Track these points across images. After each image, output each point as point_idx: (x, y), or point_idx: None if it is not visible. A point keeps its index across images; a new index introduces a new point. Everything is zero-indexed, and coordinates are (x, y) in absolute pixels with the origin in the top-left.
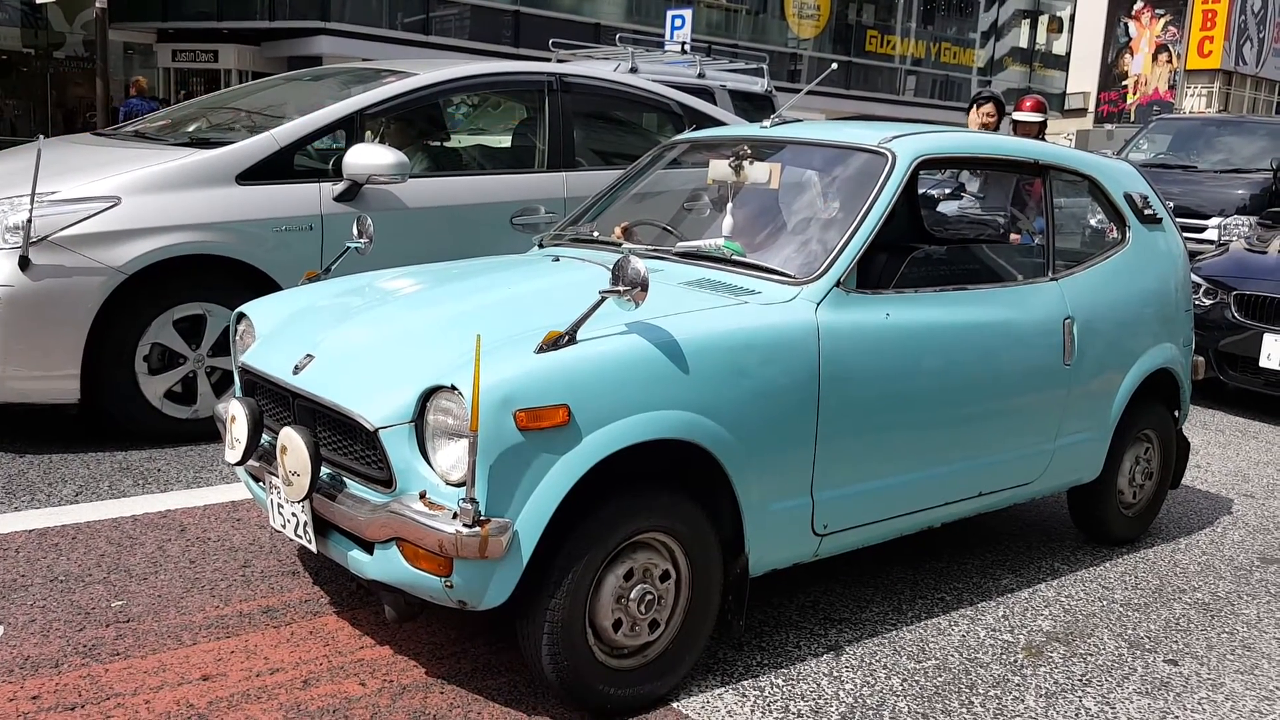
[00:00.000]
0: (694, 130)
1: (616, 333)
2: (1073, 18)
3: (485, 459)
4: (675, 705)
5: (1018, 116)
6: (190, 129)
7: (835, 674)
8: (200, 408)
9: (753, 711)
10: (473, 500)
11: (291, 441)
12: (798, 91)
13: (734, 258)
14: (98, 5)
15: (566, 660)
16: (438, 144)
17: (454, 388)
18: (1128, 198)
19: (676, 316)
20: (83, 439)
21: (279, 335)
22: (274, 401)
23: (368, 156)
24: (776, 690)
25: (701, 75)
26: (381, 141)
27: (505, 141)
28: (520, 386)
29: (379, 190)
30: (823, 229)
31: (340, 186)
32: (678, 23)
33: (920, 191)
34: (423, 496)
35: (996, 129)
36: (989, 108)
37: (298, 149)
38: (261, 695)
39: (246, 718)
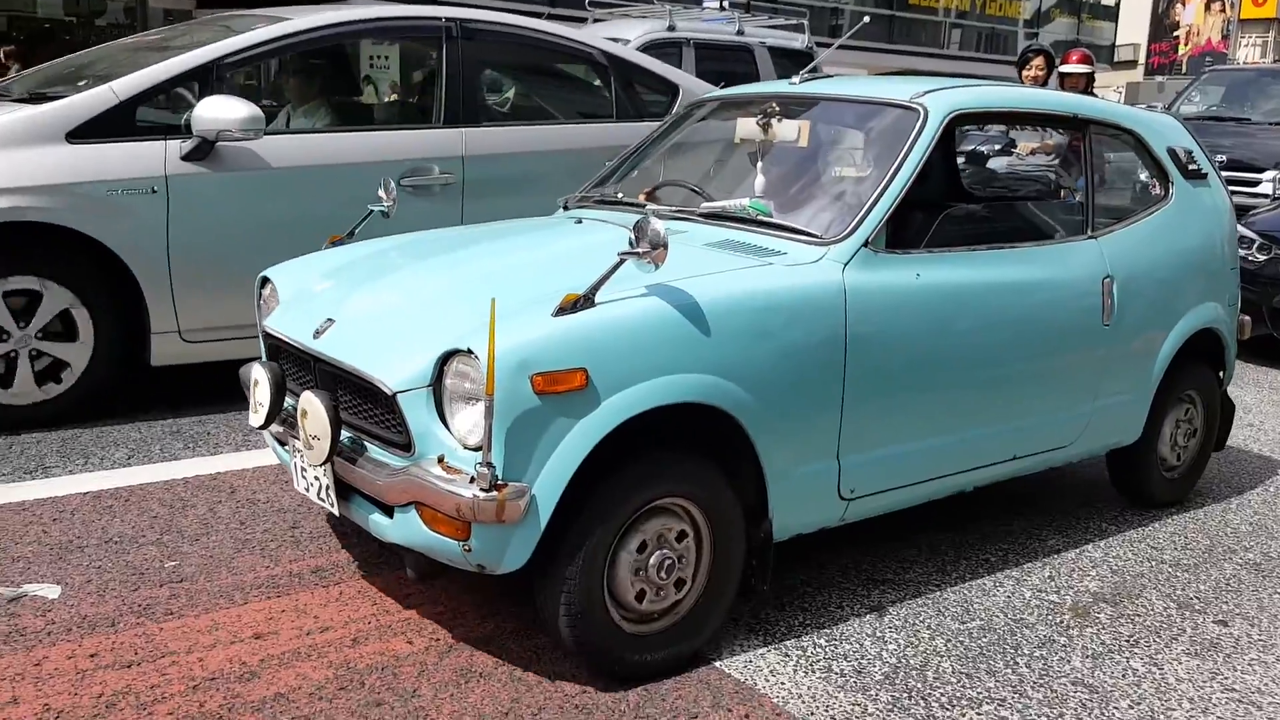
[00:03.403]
0: (723, 88)
1: (636, 295)
2: None
3: (502, 423)
4: (718, 664)
5: (1064, 69)
6: (35, 83)
7: (878, 634)
8: (18, 392)
9: (795, 670)
10: (489, 464)
11: (311, 406)
12: (839, 47)
13: (759, 218)
14: None
15: (585, 626)
16: (321, 97)
17: (470, 351)
18: (1171, 152)
19: (698, 278)
20: (133, 404)
21: (301, 299)
22: (297, 366)
23: (216, 110)
24: (819, 650)
25: (740, 32)
26: (282, 96)
27: (395, 94)
28: (537, 350)
29: (237, 148)
30: (852, 188)
31: (189, 144)
32: None
33: (969, 148)
34: (441, 460)
35: (1045, 83)
36: (1039, 61)
37: (141, 103)
38: (311, 653)
39: (298, 675)
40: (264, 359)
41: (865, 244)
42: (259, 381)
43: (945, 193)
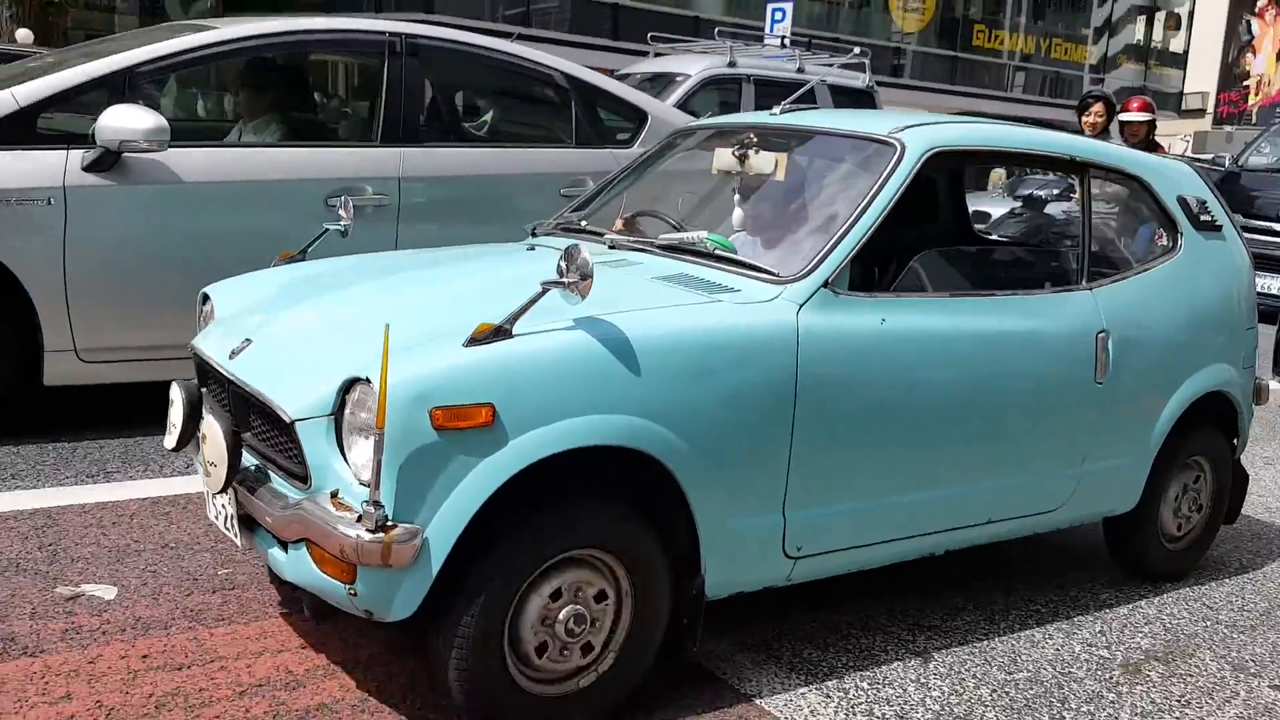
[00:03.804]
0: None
1: (559, 327)
2: (1191, 14)
3: (394, 459)
4: (758, 701)
5: (1124, 117)
6: None
7: (922, 680)
8: None
9: (836, 712)
10: (377, 503)
11: (211, 430)
12: (900, 87)
13: (717, 251)
14: None
15: (479, 685)
16: (272, 112)
17: (370, 380)
18: (1181, 202)
19: (632, 313)
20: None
21: (233, 318)
22: (220, 387)
23: (121, 120)
24: (861, 693)
25: (801, 69)
26: (245, 110)
27: (331, 110)
28: (438, 381)
29: (146, 161)
30: (819, 225)
31: (92, 155)
32: (778, 16)
33: (1026, 192)
34: (335, 496)
35: (1106, 129)
36: (1098, 107)
37: (44, 110)
38: (356, 666)
39: (341, 686)
40: (190, 379)
41: (825, 284)
42: (174, 402)
43: (954, 236)
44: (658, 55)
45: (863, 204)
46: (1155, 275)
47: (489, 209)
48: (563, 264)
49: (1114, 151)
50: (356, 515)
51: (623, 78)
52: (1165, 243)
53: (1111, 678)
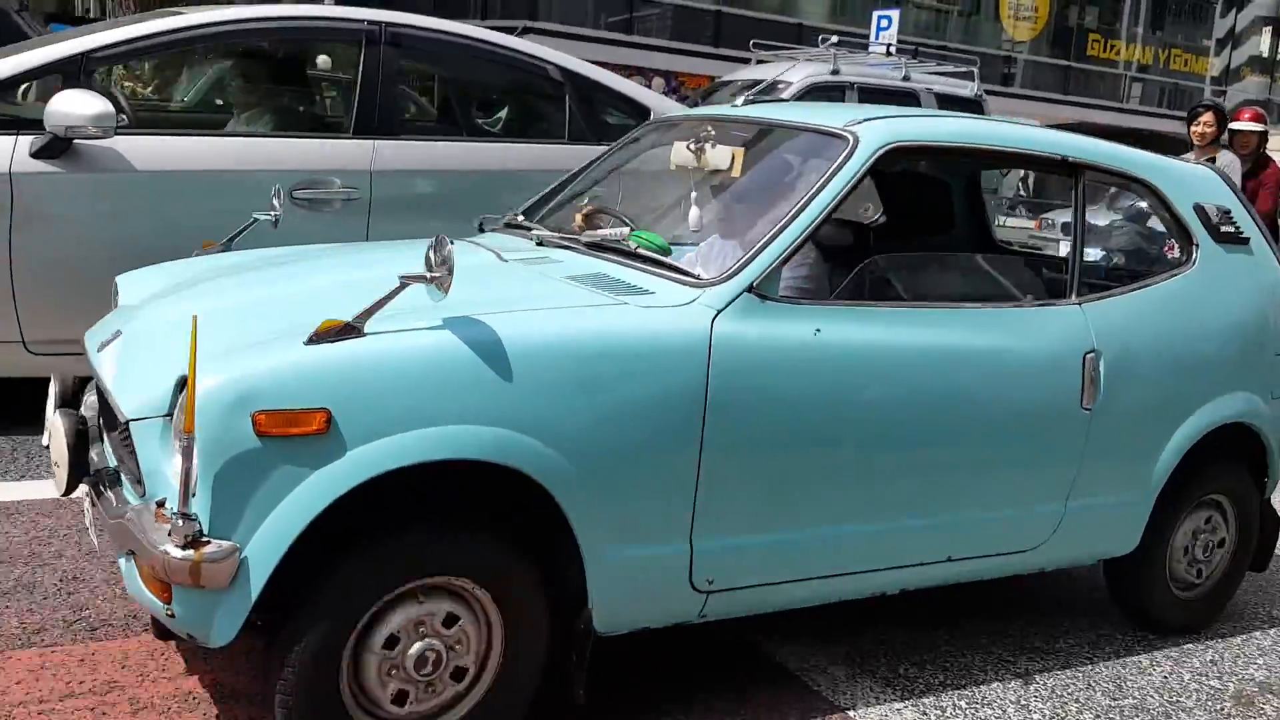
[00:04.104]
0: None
1: (419, 327)
2: None
3: (208, 467)
4: (852, 714)
5: (1235, 126)
6: None
7: (1023, 702)
8: None
9: None
10: (187, 516)
11: (55, 428)
12: (1010, 96)
13: (639, 250)
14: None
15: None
16: (263, 104)
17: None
18: (1199, 210)
19: (512, 313)
20: None
21: (123, 309)
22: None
23: (68, 105)
24: (959, 712)
25: (906, 78)
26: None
27: (301, 98)
28: (263, 383)
29: (100, 149)
30: (757, 224)
31: (40, 141)
32: (884, 23)
33: (1128, 203)
34: (161, 505)
35: (1216, 140)
36: (1208, 117)
37: None
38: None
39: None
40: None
41: (750, 289)
42: (50, 396)
43: (970, 246)
44: (759, 62)
45: (801, 202)
46: (1161, 291)
47: (467, 203)
48: (430, 256)
49: (1117, 153)
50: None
51: (723, 85)
52: (1177, 255)
53: (1223, 709)
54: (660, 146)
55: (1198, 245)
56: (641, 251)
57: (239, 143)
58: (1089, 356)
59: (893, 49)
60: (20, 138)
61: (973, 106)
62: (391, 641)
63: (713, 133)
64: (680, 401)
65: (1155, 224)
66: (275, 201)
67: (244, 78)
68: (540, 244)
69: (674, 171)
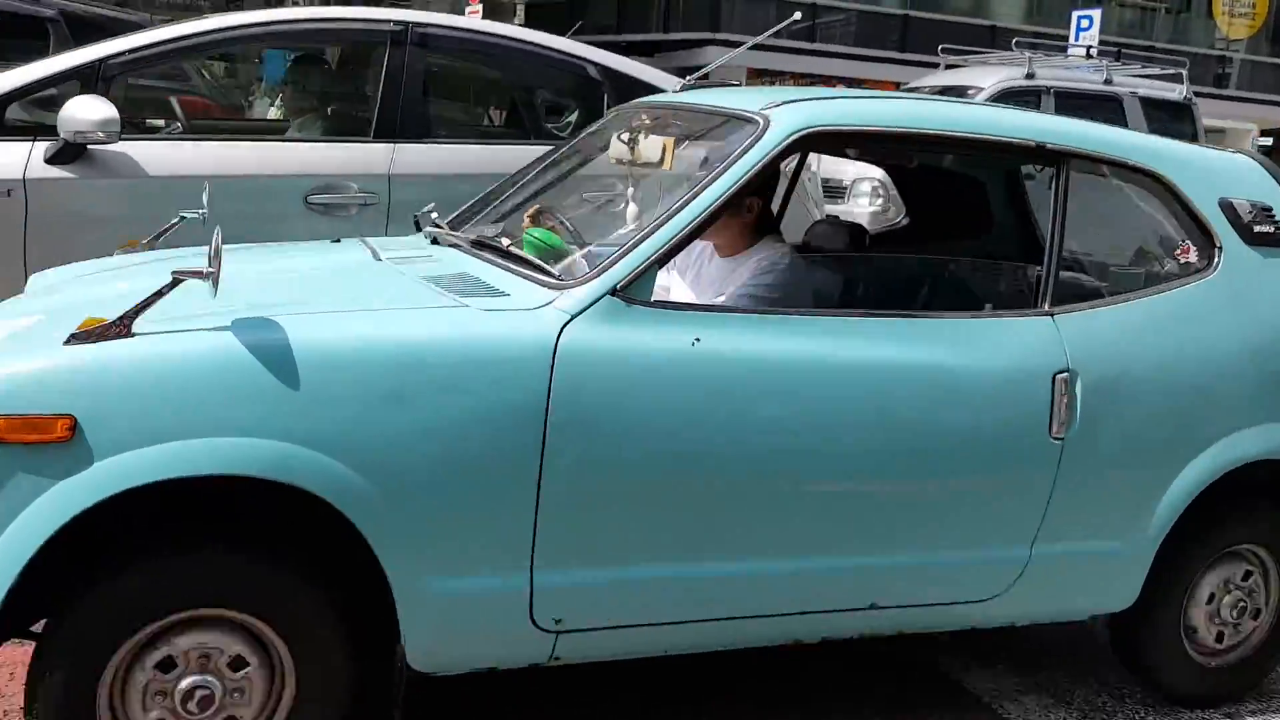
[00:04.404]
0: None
1: (194, 328)
2: None
3: None
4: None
5: None
6: None
7: None
8: None
9: None
10: None
11: None
12: (1224, 98)
13: (510, 249)
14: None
15: None
16: (317, 110)
17: None
18: (1226, 206)
19: (310, 316)
20: None
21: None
22: None
23: (78, 111)
24: None
25: (1109, 81)
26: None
27: (319, 103)
28: (3, 385)
29: (114, 154)
30: (633, 218)
31: (54, 146)
32: (1084, 24)
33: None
34: None
35: None
36: None
37: (12, 100)
38: None
39: None
40: None
41: (614, 292)
42: None
43: (1016, 251)
44: (949, 68)
45: (687, 195)
46: (1166, 301)
47: None
48: (210, 250)
49: (1117, 138)
50: None
51: (910, 92)
52: (1192, 259)
53: None
54: (612, 135)
55: (1220, 248)
56: (513, 250)
57: (253, 147)
58: (1060, 376)
59: (1093, 51)
60: (36, 144)
61: (1182, 110)
62: (168, 665)
63: (646, 122)
64: (515, 417)
65: (1161, 225)
66: (205, 198)
67: (354, 87)
68: (435, 242)
69: (613, 164)
